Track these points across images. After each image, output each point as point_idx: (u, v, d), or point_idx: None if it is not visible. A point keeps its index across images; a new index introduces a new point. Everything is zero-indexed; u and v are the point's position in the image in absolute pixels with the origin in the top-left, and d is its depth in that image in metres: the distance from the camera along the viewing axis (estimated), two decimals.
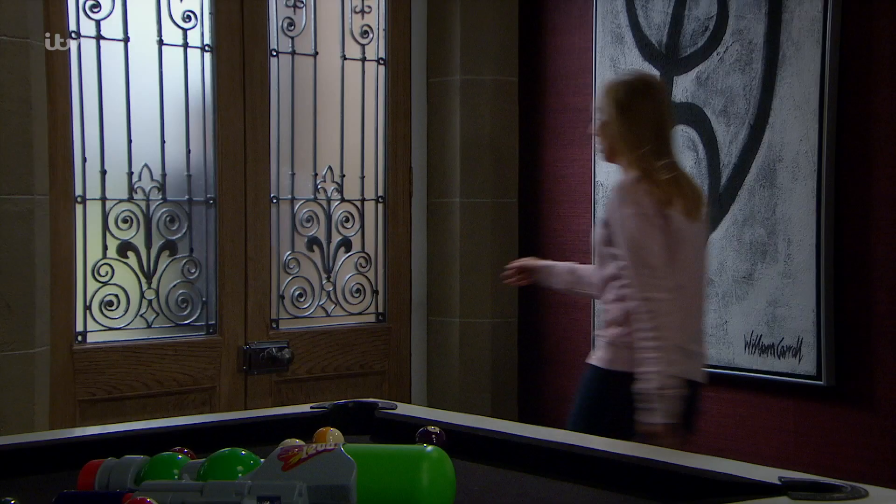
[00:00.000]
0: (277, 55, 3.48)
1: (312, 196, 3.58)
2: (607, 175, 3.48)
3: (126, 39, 3.18)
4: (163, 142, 3.25)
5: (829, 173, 2.92)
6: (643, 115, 2.49)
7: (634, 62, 3.39)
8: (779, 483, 1.37)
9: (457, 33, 3.74)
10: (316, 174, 3.57)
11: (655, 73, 3.33)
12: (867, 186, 2.90)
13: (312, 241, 3.60)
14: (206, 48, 3.32)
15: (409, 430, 1.81)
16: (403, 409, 2.07)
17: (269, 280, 3.45)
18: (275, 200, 3.49)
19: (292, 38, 3.52)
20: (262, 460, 1.41)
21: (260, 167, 3.43)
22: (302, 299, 3.56)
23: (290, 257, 3.53)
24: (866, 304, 2.89)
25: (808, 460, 2.96)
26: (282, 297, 3.51)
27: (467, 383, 3.75)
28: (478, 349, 3.75)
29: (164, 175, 3.26)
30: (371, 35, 3.68)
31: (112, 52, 3.16)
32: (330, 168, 3.61)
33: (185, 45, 3.29)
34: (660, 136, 2.50)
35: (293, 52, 3.52)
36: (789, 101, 3.00)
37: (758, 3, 3.07)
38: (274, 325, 3.48)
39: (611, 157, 2.58)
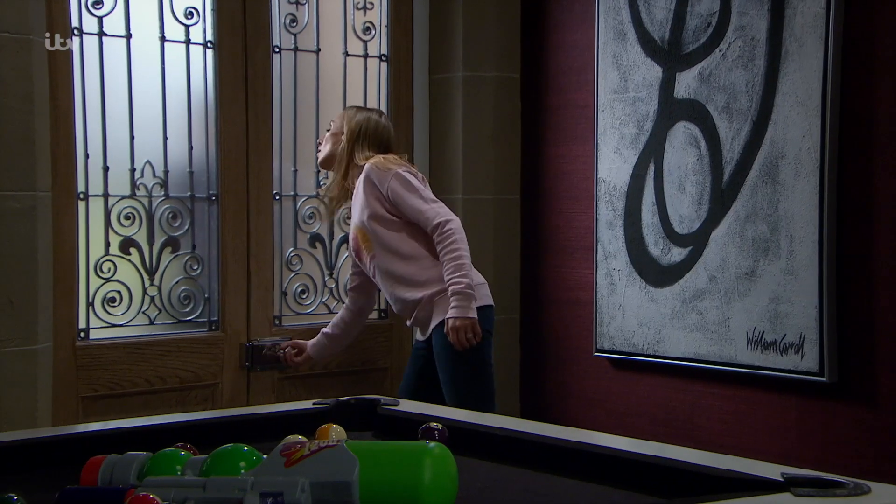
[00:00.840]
0: (280, 52, 3.48)
1: (315, 193, 3.58)
2: (609, 171, 3.48)
3: (128, 36, 3.18)
4: (165, 138, 3.25)
5: (831, 170, 2.92)
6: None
7: (637, 58, 3.39)
8: (781, 479, 1.37)
9: (459, 30, 3.73)
10: (318, 171, 3.57)
11: (658, 69, 3.33)
12: (869, 183, 2.90)
13: (315, 238, 3.60)
14: (209, 45, 3.32)
15: (412, 427, 1.81)
16: (406, 405, 2.07)
17: (272, 277, 3.45)
18: (277, 197, 3.49)
19: (295, 35, 3.52)
20: (264, 456, 1.41)
21: (262, 164, 3.43)
22: (304, 296, 3.56)
23: (292, 254, 3.53)
24: (868, 301, 2.89)
25: (810, 457, 2.96)
26: (284, 294, 3.51)
27: None
28: None
29: (166, 172, 3.26)
30: (373, 32, 3.68)
31: (114, 48, 3.16)
32: None
33: (188, 42, 3.29)
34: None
35: (295, 49, 3.52)
36: (792, 97, 3.00)
37: None
38: (277, 322, 3.48)
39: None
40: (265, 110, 3.43)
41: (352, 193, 3.13)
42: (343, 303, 3.63)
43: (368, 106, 3.64)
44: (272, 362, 3.37)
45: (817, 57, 2.93)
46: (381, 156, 3.07)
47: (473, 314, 2.93)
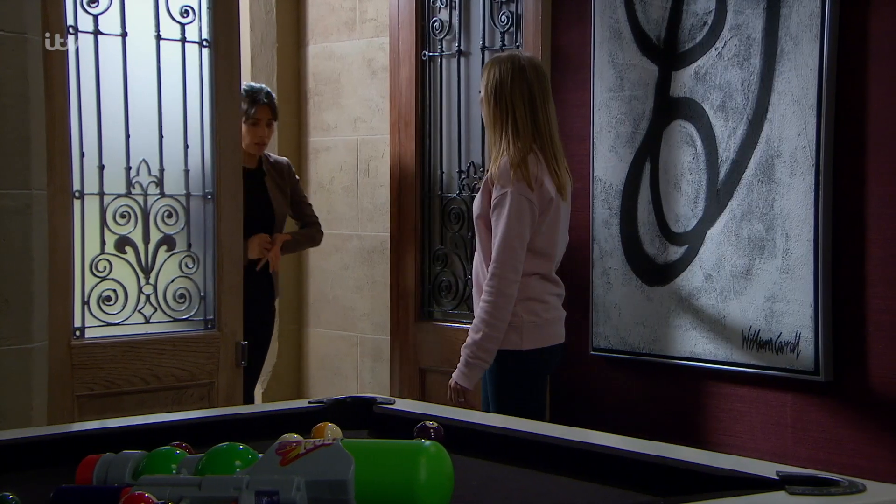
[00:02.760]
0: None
1: None
2: (605, 170, 3.48)
3: (124, 34, 3.18)
4: (161, 137, 3.25)
5: (826, 168, 2.92)
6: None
7: (633, 57, 3.39)
8: (776, 478, 1.37)
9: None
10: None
11: (654, 68, 3.34)
12: (864, 181, 2.90)
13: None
14: (205, 43, 3.31)
15: (408, 425, 1.81)
16: (401, 403, 2.07)
17: None
18: None
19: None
20: (259, 455, 1.41)
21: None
22: None
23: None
24: (863, 299, 2.90)
25: (805, 455, 2.96)
26: None
27: None
28: None
29: (161, 170, 3.26)
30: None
31: (110, 47, 3.16)
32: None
33: (183, 41, 3.29)
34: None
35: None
36: (787, 96, 3.00)
37: None
38: None
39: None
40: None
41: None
42: None
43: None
44: None
45: (812, 56, 2.94)
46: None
47: (469, 384, 2.84)
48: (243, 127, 3.53)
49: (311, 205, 4.03)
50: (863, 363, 2.90)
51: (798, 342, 2.96)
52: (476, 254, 3.00)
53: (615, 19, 3.43)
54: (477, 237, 2.98)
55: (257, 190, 3.75)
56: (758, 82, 3.06)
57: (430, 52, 3.87)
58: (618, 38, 3.43)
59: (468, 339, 2.85)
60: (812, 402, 2.99)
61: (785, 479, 1.36)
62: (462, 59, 3.81)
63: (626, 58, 3.41)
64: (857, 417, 2.91)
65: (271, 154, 4.00)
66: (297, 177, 4.00)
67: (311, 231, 3.98)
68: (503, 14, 3.66)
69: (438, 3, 3.82)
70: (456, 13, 3.79)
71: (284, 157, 4.01)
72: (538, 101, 2.94)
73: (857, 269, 2.91)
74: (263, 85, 3.90)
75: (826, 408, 2.96)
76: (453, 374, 2.87)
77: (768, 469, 1.42)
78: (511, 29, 3.67)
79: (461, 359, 2.85)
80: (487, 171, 2.95)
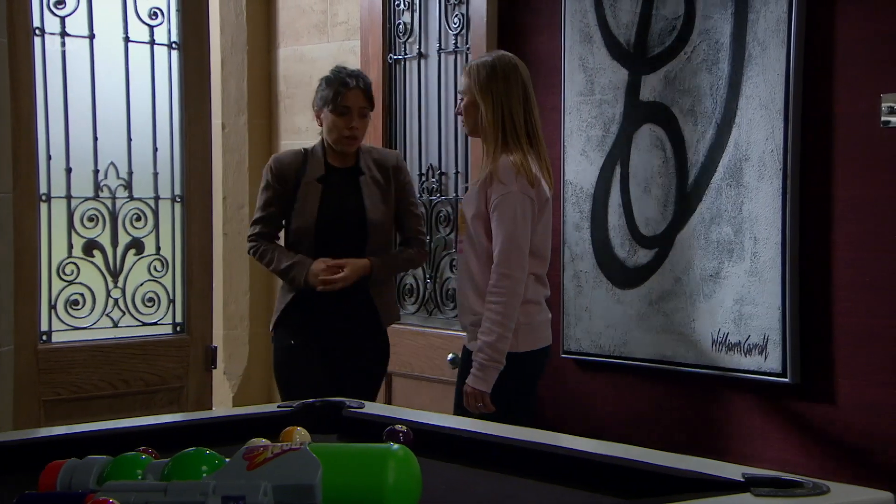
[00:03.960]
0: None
1: None
2: (576, 173, 3.49)
3: (91, 36, 3.15)
4: (129, 139, 3.23)
5: (793, 172, 2.95)
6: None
7: (603, 62, 3.41)
8: (742, 480, 1.38)
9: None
10: None
11: (624, 72, 3.35)
12: (831, 185, 2.93)
13: None
14: (174, 45, 3.30)
15: (377, 429, 1.81)
16: (371, 407, 2.07)
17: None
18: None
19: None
20: (226, 460, 1.40)
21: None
22: None
23: None
24: (830, 302, 2.93)
25: (773, 457, 2.98)
26: None
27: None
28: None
29: (130, 173, 3.23)
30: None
31: (77, 49, 3.13)
32: None
33: (152, 43, 3.27)
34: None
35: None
36: (755, 100, 3.02)
37: (724, 3, 3.10)
38: None
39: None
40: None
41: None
42: None
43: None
44: None
45: (779, 60, 2.96)
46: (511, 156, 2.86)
47: (486, 387, 2.77)
48: (327, 117, 3.03)
49: (419, 215, 3.25)
50: (830, 366, 2.92)
51: (766, 345, 2.98)
52: (467, 256, 2.93)
53: (585, 23, 3.45)
54: (470, 238, 2.90)
55: (348, 193, 3.07)
56: (726, 87, 3.08)
57: (395, 54, 3.87)
58: (588, 42, 3.45)
59: (480, 343, 2.78)
60: (780, 405, 3.01)
61: (750, 481, 1.37)
62: (422, 62, 3.82)
63: (596, 62, 3.43)
64: (824, 419, 2.93)
65: (377, 147, 3.38)
66: (408, 177, 3.22)
67: (409, 253, 3.21)
68: (455, 16, 3.67)
69: (402, 6, 3.82)
70: (417, 15, 3.80)
71: (394, 151, 3.35)
72: (532, 101, 2.95)
73: (825, 273, 2.94)
74: (359, 68, 3.39)
75: (793, 410, 2.99)
76: (468, 381, 2.78)
77: (734, 471, 1.43)
78: (463, 31, 3.68)
79: (475, 363, 2.77)
80: (484, 169, 2.89)
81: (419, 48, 3.81)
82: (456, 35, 3.69)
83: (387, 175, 3.10)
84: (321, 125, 3.09)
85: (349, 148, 3.07)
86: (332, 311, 3.06)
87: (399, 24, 3.85)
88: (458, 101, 3.02)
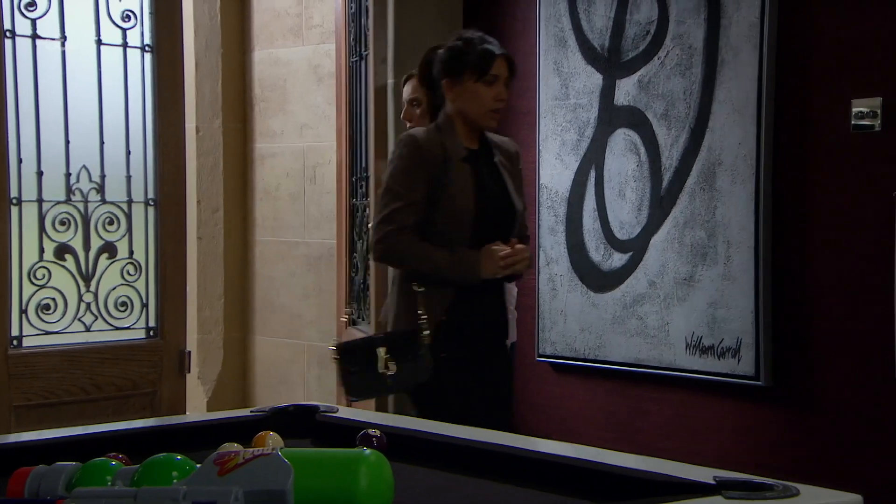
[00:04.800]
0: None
1: None
2: (551, 177, 3.50)
3: (63, 39, 3.13)
4: (101, 143, 3.21)
5: (766, 176, 2.97)
6: None
7: (577, 65, 3.42)
8: (713, 483, 1.39)
9: (400, 35, 3.73)
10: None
11: (598, 76, 3.37)
12: (803, 189, 2.95)
13: None
14: (147, 48, 3.28)
15: (350, 434, 1.80)
16: (345, 412, 2.06)
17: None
18: None
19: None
20: (197, 465, 1.39)
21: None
22: None
23: None
24: (802, 306, 2.95)
25: (747, 459, 3.00)
26: None
27: None
28: None
29: (102, 176, 3.21)
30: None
31: (49, 51, 3.11)
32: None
33: (125, 45, 3.24)
34: None
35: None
36: (728, 105, 3.04)
37: (697, 8, 3.12)
38: None
39: None
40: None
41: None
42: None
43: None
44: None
45: (752, 65, 2.98)
46: None
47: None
48: (470, 88, 2.62)
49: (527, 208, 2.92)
50: (802, 368, 2.94)
51: (739, 348, 3.00)
52: None
53: (560, 28, 3.46)
54: None
55: (487, 176, 2.70)
56: (699, 91, 3.10)
57: (358, 57, 3.87)
58: (563, 46, 3.46)
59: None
60: (753, 407, 3.03)
61: (721, 484, 1.38)
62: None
63: (570, 66, 3.44)
64: (796, 422, 2.95)
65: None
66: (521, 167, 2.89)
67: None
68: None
69: (363, 8, 3.82)
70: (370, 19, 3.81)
71: (508, 138, 2.90)
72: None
73: (797, 276, 2.96)
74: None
75: (767, 413, 3.00)
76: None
77: (705, 474, 1.43)
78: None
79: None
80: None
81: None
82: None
83: (512, 161, 2.78)
84: (453, 99, 2.64)
85: (494, 123, 2.70)
86: (489, 313, 2.70)
87: (365, 25, 3.85)
88: (412, 111, 3.03)
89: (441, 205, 2.57)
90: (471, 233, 2.60)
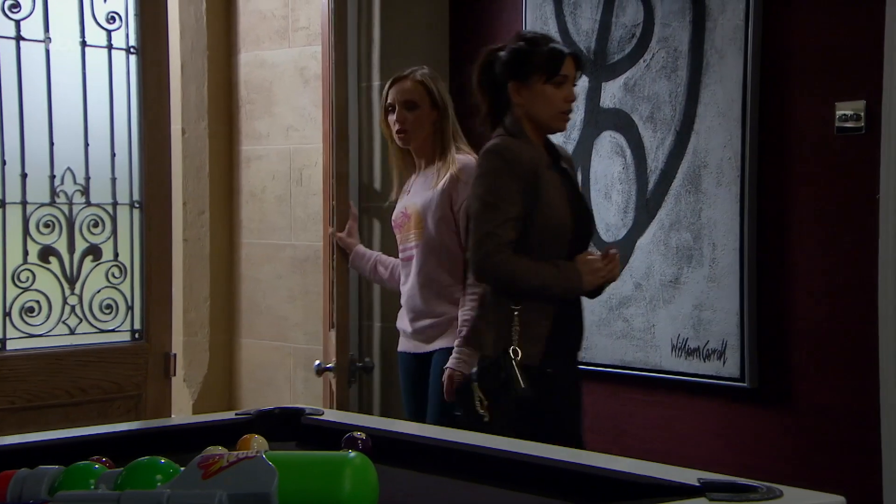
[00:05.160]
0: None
1: None
2: None
3: (47, 40, 3.11)
4: (86, 145, 3.19)
5: (751, 179, 2.98)
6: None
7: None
8: (698, 485, 1.39)
9: (387, 38, 3.73)
10: None
11: (584, 79, 3.37)
12: (787, 191, 2.97)
13: None
14: (132, 50, 3.26)
15: (336, 436, 1.80)
16: (330, 414, 2.06)
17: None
18: None
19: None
20: (181, 469, 1.39)
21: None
22: None
23: None
24: (786, 308, 2.96)
25: (732, 461, 3.01)
26: None
27: (398, 389, 3.74)
28: None
29: (87, 178, 3.19)
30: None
31: (32, 53, 3.09)
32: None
33: (110, 47, 3.23)
34: None
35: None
36: (713, 107, 3.05)
37: (682, 11, 3.13)
38: None
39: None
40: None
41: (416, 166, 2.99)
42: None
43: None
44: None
45: (737, 68, 3.00)
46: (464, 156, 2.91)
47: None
48: (539, 90, 2.51)
49: None
50: (786, 370, 2.95)
51: (725, 350, 3.01)
52: (423, 260, 2.93)
53: (546, 30, 3.47)
54: (431, 242, 2.91)
55: (566, 182, 2.60)
56: (685, 94, 3.11)
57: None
58: None
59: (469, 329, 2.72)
60: (738, 409, 3.04)
61: (706, 486, 1.38)
62: None
63: None
64: (781, 424, 2.97)
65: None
66: None
67: None
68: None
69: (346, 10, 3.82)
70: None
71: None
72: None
73: (781, 278, 2.97)
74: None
75: (751, 414, 3.02)
76: (452, 364, 2.74)
77: (690, 476, 1.44)
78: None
79: (466, 352, 2.71)
80: (445, 173, 2.91)
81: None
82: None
83: (572, 166, 2.71)
84: (521, 103, 2.53)
85: (564, 125, 2.59)
86: (579, 325, 2.63)
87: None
88: (405, 114, 2.99)
89: (537, 217, 2.45)
90: (567, 245, 2.49)
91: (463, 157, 2.95)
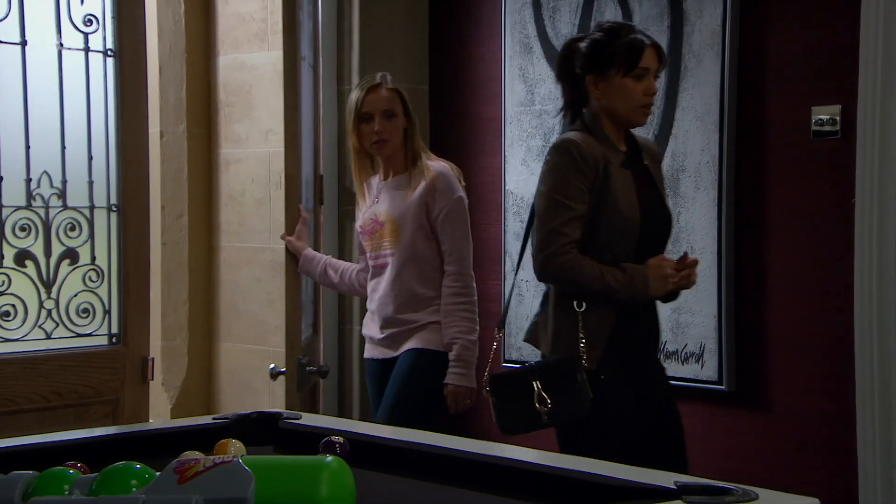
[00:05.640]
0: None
1: None
2: (517, 183, 3.51)
3: (23, 43, 3.09)
4: (63, 148, 3.17)
5: (729, 182, 3.00)
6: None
7: (543, 71, 3.43)
8: (674, 487, 1.40)
9: (366, 41, 3.73)
10: None
11: None
12: (765, 195, 2.99)
13: None
14: (109, 52, 3.25)
15: (313, 441, 1.80)
16: (308, 418, 2.05)
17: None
18: None
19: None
20: (157, 474, 1.38)
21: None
22: None
23: None
24: (763, 311, 2.98)
25: (708, 464, 3.02)
26: None
27: None
28: None
29: (64, 182, 3.17)
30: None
31: (8, 56, 3.07)
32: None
33: (87, 50, 3.21)
34: None
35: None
36: (691, 112, 3.07)
37: (660, 15, 3.14)
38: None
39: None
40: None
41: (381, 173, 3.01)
42: None
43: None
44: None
45: (714, 73, 3.01)
46: (437, 162, 2.96)
47: (474, 383, 2.88)
48: (617, 83, 2.40)
49: None
50: (764, 373, 2.97)
51: (703, 353, 3.02)
52: (399, 267, 2.94)
53: (525, 34, 3.47)
54: (407, 250, 2.92)
55: (644, 181, 2.47)
56: (663, 98, 3.13)
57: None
58: (528, 52, 3.47)
59: (464, 341, 2.84)
60: (715, 412, 3.05)
61: (682, 489, 1.39)
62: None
63: (536, 72, 3.45)
64: (757, 426, 2.98)
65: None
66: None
67: None
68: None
69: (312, 12, 3.83)
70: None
71: (647, 137, 2.65)
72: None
73: (759, 282, 2.99)
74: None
75: (729, 417, 3.03)
76: (457, 381, 2.83)
77: (666, 479, 1.44)
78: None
79: (462, 363, 2.83)
80: (421, 178, 2.91)
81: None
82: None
83: (657, 163, 2.56)
84: (599, 96, 2.42)
85: (644, 119, 2.46)
86: (652, 331, 2.52)
87: None
88: (385, 123, 2.98)
89: (604, 215, 2.35)
90: (636, 245, 2.37)
91: (437, 165, 2.95)
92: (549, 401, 2.32)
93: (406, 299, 2.93)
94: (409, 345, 2.93)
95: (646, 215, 2.38)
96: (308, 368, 3.31)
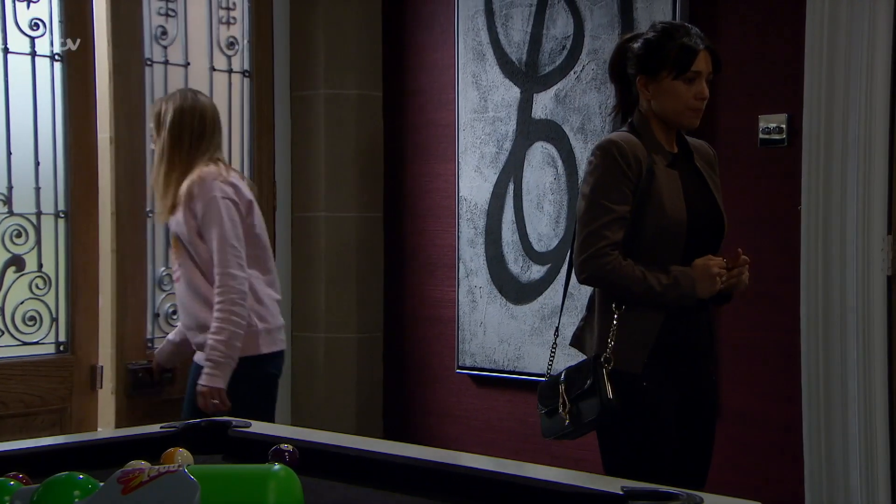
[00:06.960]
0: (152, 64, 3.40)
1: None
2: (470, 190, 3.52)
3: None
4: (9, 153, 3.12)
5: None
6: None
7: (496, 79, 3.45)
8: (621, 493, 1.41)
9: (320, 47, 3.72)
10: None
11: (516, 90, 3.40)
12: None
13: None
14: (56, 57, 3.20)
15: (263, 449, 1.78)
16: (257, 426, 2.03)
17: (145, 297, 3.35)
18: (150, 214, 3.38)
19: (165, 48, 3.45)
20: (101, 484, 1.36)
21: (136, 180, 3.34)
22: (176, 317, 3.46)
23: (164, 273, 3.43)
24: (721, 319, 3.00)
25: None
26: (157, 316, 3.42)
27: (332, 399, 3.72)
28: (343, 364, 3.72)
29: (10, 188, 3.12)
30: (237, 46, 3.63)
31: None
32: None
33: (33, 54, 3.16)
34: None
35: (166, 62, 3.45)
36: None
37: (611, 24, 3.17)
38: (150, 346, 3.37)
39: None
40: (138, 124, 3.34)
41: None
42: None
43: (233, 121, 3.58)
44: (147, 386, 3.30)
45: None
46: (205, 168, 2.95)
47: (222, 383, 2.85)
48: (667, 85, 2.31)
49: None
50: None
51: None
52: (188, 277, 2.95)
53: (478, 41, 3.49)
54: (190, 258, 2.94)
55: (693, 183, 2.37)
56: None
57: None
58: (481, 59, 3.48)
59: (212, 341, 2.84)
60: None
61: (629, 494, 1.40)
62: None
63: (489, 79, 3.47)
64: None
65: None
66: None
67: None
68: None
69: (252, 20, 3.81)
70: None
71: (703, 140, 2.53)
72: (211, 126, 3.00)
73: None
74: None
75: None
76: (202, 381, 2.84)
77: (614, 484, 1.45)
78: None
79: (210, 362, 2.84)
80: (183, 190, 2.92)
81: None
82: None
83: (712, 166, 2.45)
84: (648, 98, 2.33)
85: (695, 123, 2.36)
86: (703, 338, 2.37)
87: None
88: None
89: (648, 217, 2.25)
90: (682, 248, 2.27)
91: (199, 170, 2.93)
92: (568, 405, 2.26)
93: (199, 304, 2.94)
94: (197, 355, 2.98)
95: (693, 217, 2.28)
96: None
